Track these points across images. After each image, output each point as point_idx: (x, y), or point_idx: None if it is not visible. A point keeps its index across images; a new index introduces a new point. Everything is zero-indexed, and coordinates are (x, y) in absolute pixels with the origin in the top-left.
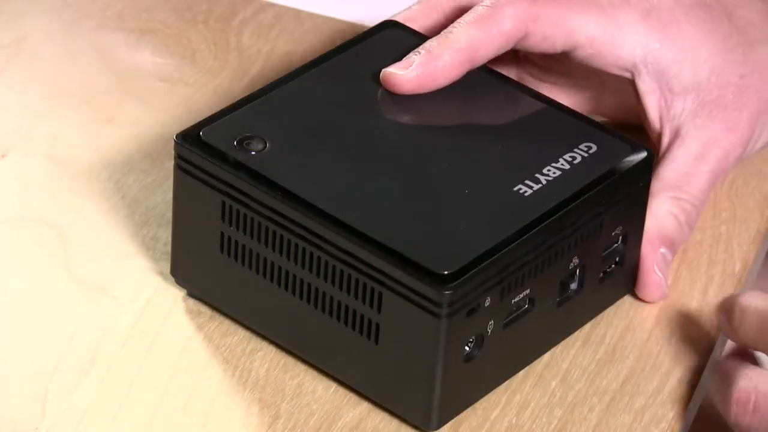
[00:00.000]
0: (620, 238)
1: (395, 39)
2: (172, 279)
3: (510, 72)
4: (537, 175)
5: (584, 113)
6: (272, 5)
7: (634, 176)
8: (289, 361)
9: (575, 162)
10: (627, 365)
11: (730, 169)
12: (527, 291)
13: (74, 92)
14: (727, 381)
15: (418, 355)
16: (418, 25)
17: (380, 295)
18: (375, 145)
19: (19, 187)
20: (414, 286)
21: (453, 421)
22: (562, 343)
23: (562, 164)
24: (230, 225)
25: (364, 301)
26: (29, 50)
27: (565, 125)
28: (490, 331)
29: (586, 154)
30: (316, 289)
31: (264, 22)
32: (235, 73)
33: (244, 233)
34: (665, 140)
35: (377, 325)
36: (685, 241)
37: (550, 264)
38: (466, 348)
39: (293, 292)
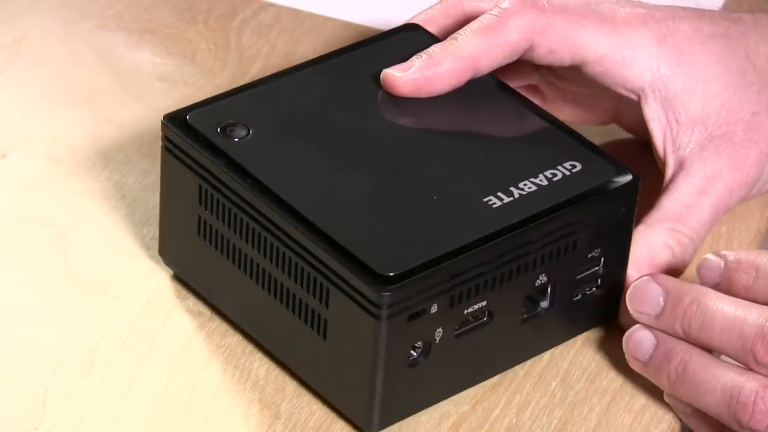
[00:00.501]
0: (600, 261)
1: (410, 42)
2: (172, 278)
3: (530, 77)
4: (511, 188)
5: (603, 124)
6: (272, 5)
7: (615, 199)
8: None
9: (554, 179)
10: (627, 365)
11: (732, 207)
12: (483, 303)
13: (74, 92)
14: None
15: (361, 355)
16: (437, 25)
17: (328, 291)
18: (358, 144)
19: (19, 187)
20: (356, 285)
21: (452, 421)
22: (563, 344)
23: (540, 180)
24: (205, 209)
25: (314, 296)
26: (29, 50)
27: (555, 142)
28: (438, 338)
29: (568, 172)
30: (275, 280)
31: (264, 22)
32: (235, 73)
33: (217, 218)
34: (669, 170)
35: (325, 321)
36: (680, 273)
37: (511, 278)
38: (412, 353)
39: (256, 281)
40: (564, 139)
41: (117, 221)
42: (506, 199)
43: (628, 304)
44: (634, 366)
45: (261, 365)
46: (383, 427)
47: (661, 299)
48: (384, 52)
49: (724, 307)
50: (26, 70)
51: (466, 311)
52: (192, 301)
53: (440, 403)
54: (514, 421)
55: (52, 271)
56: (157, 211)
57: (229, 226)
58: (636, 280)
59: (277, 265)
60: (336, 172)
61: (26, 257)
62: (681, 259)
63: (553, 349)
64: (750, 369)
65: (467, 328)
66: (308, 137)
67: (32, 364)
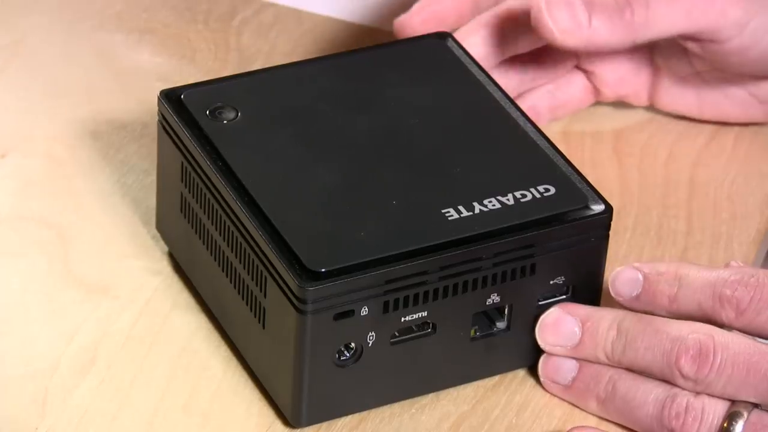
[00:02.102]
0: (567, 290)
1: (434, 50)
2: (172, 279)
3: (681, 67)
4: (474, 203)
5: (745, 118)
6: (272, 5)
7: (581, 228)
8: None
9: (522, 200)
10: None
11: None
12: (424, 314)
13: (74, 92)
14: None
15: (289, 348)
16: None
17: (266, 280)
18: (338, 142)
19: (19, 187)
20: (285, 277)
21: (452, 421)
22: None
23: (507, 199)
24: (185, 186)
25: (257, 284)
26: (29, 50)
27: (537, 163)
28: (371, 343)
29: (538, 195)
30: (231, 264)
31: (264, 22)
32: (234, 73)
33: (192, 196)
34: None
35: (264, 310)
36: None
37: (457, 293)
38: (343, 353)
39: (218, 263)
40: (548, 162)
41: (117, 221)
42: (464, 213)
43: (540, 339)
44: (552, 389)
45: None
46: (311, 423)
47: (576, 329)
48: (400, 56)
49: (644, 327)
50: (26, 70)
51: (403, 319)
52: (192, 301)
53: (440, 403)
54: (514, 421)
55: (52, 271)
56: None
57: (200, 205)
58: (544, 314)
59: (231, 249)
60: (306, 166)
61: (26, 257)
62: None
63: None
64: (677, 385)
65: (406, 337)
66: (292, 128)
67: (32, 364)
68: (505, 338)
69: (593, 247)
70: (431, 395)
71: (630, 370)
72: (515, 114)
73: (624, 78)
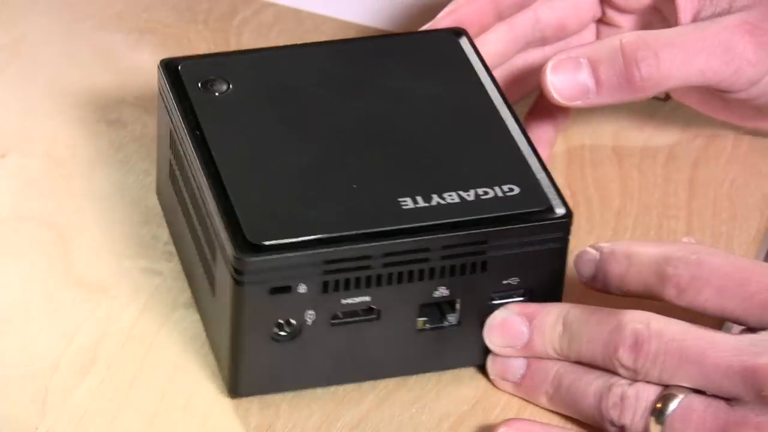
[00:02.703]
0: (522, 293)
1: (444, 45)
2: (172, 279)
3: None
4: (433, 195)
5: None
6: (272, 5)
7: (538, 231)
8: None
9: (483, 197)
10: None
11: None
12: (367, 299)
13: (74, 92)
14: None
15: (228, 318)
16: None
17: (215, 248)
18: (319, 123)
19: (19, 187)
20: (227, 247)
21: (452, 421)
22: None
23: (468, 194)
24: (172, 154)
25: (209, 251)
26: (29, 50)
27: (509, 163)
28: (310, 321)
29: (500, 194)
30: (196, 232)
31: (264, 22)
32: None
33: (176, 163)
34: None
35: (214, 278)
36: None
37: (402, 281)
38: (281, 328)
39: (189, 230)
40: (520, 163)
41: (117, 221)
42: (420, 204)
43: (488, 342)
44: (503, 387)
45: None
46: (249, 395)
47: (524, 328)
48: (408, 46)
49: (587, 319)
50: (26, 70)
51: (343, 301)
52: (192, 301)
53: (440, 403)
54: None
55: (52, 271)
56: (157, 210)
57: (179, 172)
58: (490, 316)
59: (196, 216)
60: (279, 143)
61: (26, 257)
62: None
63: None
64: (619, 374)
65: (348, 320)
66: (279, 106)
67: (32, 364)
68: (455, 333)
69: (551, 251)
70: (431, 395)
71: (579, 362)
72: (505, 115)
73: None
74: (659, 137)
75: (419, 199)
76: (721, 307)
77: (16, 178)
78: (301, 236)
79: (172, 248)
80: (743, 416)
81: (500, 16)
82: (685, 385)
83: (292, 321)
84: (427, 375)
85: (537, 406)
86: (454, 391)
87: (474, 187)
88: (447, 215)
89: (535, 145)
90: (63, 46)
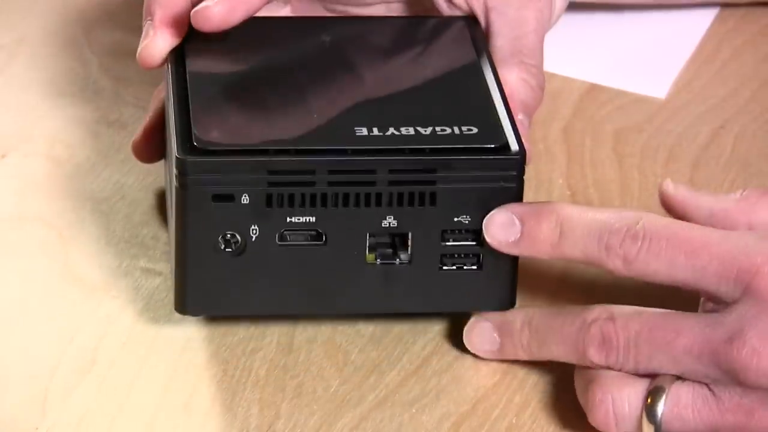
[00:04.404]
0: (474, 236)
1: (450, 27)
2: (172, 279)
3: None
4: (389, 127)
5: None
6: None
7: (488, 166)
8: (289, 361)
9: (439, 132)
10: None
11: (552, 22)
12: (312, 219)
13: (74, 92)
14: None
15: (175, 228)
16: None
17: (171, 164)
18: (294, 57)
19: (19, 187)
20: (176, 149)
21: (452, 421)
22: None
23: (425, 130)
24: (166, 93)
25: (169, 165)
26: (29, 50)
27: (475, 109)
28: (254, 237)
29: (457, 132)
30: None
31: None
32: None
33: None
34: (481, 18)
35: (175, 189)
36: (539, 104)
37: (348, 204)
38: (228, 244)
39: (167, 167)
40: (488, 110)
41: (117, 221)
42: (375, 132)
43: (469, 345)
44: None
45: (261, 365)
46: (196, 313)
47: (495, 335)
48: (412, 26)
49: (551, 323)
50: (26, 70)
51: (288, 219)
52: None
53: (440, 403)
54: (514, 421)
55: (52, 271)
56: (156, 211)
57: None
58: (467, 325)
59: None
60: (251, 72)
61: (26, 257)
62: (537, 88)
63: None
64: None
65: (294, 243)
66: (261, 48)
67: (32, 364)
68: (406, 273)
69: (504, 190)
70: (431, 395)
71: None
72: (487, 71)
73: None
74: (659, 137)
75: (375, 129)
76: (672, 278)
77: (16, 178)
78: (249, 145)
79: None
80: (730, 403)
81: None
82: (663, 371)
83: (237, 236)
84: (428, 375)
85: (537, 407)
86: (454, 391)
87: (433, 125)
88: (397, 142)
89: None
90: (63, 46)
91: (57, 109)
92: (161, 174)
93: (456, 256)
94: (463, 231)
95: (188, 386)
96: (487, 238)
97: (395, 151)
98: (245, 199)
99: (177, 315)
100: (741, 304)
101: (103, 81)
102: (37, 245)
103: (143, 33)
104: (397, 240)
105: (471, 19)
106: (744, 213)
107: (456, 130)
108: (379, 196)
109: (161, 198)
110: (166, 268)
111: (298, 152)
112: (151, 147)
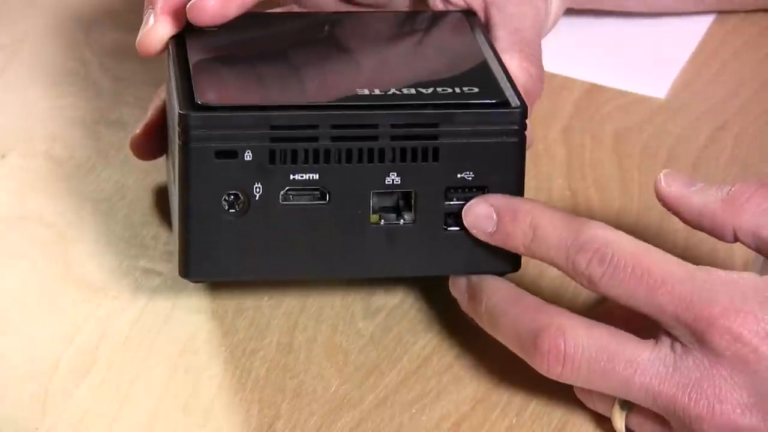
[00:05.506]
0: (477, 191)
1: (450, 18)
2: (172, 279)
3: None
4: (392, 88)
5: None
6: None
7: (489, 120)
8: (289, 360)
9: (440, 92)
10: None
11: (549, 23)
12: (315, 176)
13: (74, 92)
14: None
15: (179, 187)
16: None
17: (175, 127)
18: (296, 29)
19: (18, 187)
20: (176, 109)
21: (452, 421)
22: None
23: (426, 90)
24: (167, 67)
25: (171, 130)
26: (29, 50)
27: (476, 73)
28: (257, 195)
29: (458, 91)
30: (169, 122)
31: None
32: None
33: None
34: (480, 14)
35: (177, 147)
36: (539, 94)
37: (351, 160)
38: (230, 202)
39: (170, 129)
40: (487, 72)
41: (117, 221)
42: (376, 92)
43: (465, 220)
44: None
45: (261, 365)
46: (200, 279)
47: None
48: (414, 18)
49: (506, 311)
50: (26, 70)
51: (292, 177)
52: (192, 301)
53: (440, 403)
54: (514, 421)
55: (52, 271)
56: (156, 210)
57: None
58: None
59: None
60: (252, 41)
61: (26, 257)
62: (537, 78)
63: None
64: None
65: (298, 203)
66: (261, 26)
67: (32, 364)
68: (410, 235)
69: (506, 145)
70: (431, 395)
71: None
72: (485, 46)
73: None
74: (659, 137)
75: (376, 90)
76: (633, 307)
77: (16, 178)
78: (249, 102)
79: (172, 248)
80: None
81: None
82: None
83: (240, 196)
84: (428, 375)
85: (537, 407)
86: (454, 391)
87: (434, 87)
88: (399, 100)
89: None
90: (62, 46)
91: (57, 109)
92: (161, 174)
93: (460, 216)
94: (466, 189)
95: (188, 386)
96: (465, 224)
97: (398, 106)
98: (248, 156)
99: (177, 315)
100: (698, 351)
101: (103, 81)
102: (37, 245)
103: (144, 21)
104: (401, 202)
105: (469, 12)
106: (730, 216)
107: (457, 89)
108: (382, 151)
109: (161, 198)
110: (166, 268)
111: (300, 107)
112: (150, 143)
